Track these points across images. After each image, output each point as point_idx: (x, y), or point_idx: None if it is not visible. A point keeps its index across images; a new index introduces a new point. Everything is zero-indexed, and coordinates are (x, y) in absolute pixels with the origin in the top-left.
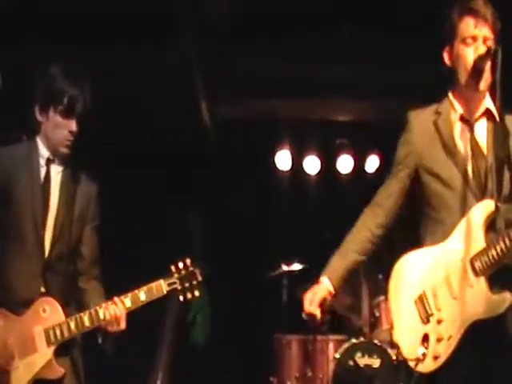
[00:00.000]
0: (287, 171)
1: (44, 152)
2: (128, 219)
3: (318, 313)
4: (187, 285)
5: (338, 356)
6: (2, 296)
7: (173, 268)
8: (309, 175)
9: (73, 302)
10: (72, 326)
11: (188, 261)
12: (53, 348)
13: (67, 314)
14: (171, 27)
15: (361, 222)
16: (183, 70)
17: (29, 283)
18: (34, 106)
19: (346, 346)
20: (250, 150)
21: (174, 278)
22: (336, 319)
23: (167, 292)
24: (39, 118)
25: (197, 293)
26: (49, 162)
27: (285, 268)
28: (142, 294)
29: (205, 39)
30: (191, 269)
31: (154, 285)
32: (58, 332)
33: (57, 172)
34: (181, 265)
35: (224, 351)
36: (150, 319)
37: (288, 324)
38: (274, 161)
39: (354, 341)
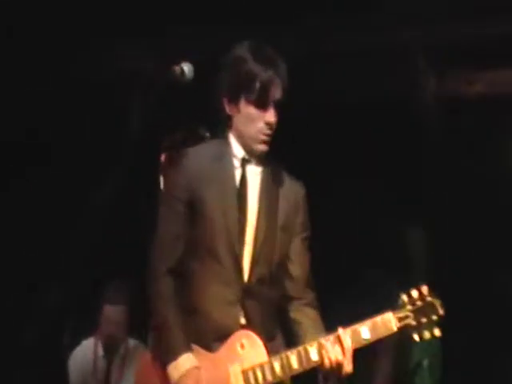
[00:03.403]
0: None
1: (238, 151)
2: (335, 232)
3: None
4: (424, 320)
5: None
6: (193, 325)
7: (405, 297)
8: None
9: (278, 336)
10: (277, 368)
11: (425, 289)
12: None
13: (271, 351)
14: None
15: None
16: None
17: (225, 312)
18: (220, 97)
19: None
20: (482, 131)
21: (407, 311)
22: None
23: (398, 329)
24: (228, 111)
25: (437, 332)
26: (244, 162)
27: None
28: (365, 331)
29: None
30: (429, 299)
31: (380, 319)
32: (259, 374)
33: (254, 174)
34: (415, 293)
35: None
36: None
37: None
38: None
39: None
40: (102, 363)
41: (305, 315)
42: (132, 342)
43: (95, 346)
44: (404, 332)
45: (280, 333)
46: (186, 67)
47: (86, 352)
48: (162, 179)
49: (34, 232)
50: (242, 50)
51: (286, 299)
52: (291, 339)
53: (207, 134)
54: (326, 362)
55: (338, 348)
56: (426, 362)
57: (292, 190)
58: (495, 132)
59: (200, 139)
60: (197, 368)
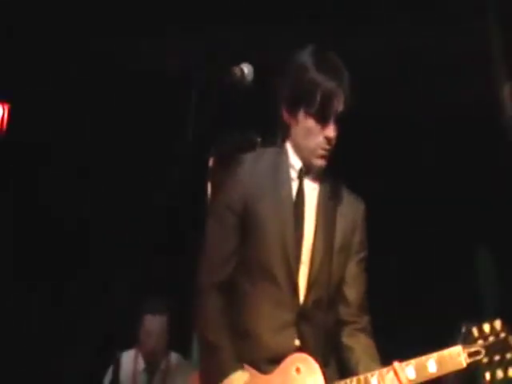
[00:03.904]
0: None
1: (295, 162)
2: (398, 259)
3: None
4: (497, 358)
5: None
6: (243, 347)
7: (475, 331)
8: None
9: (333, 363)
10: None
11: (498, 323)
12: None
13: (326, 378)
14: None
15: None
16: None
17: (278, 335)
18: (280, 105)
19: None
20: None
21: (478, 346)
22: None
23: (468, 365)
24: (287, 120)
25: None
26: (301, 174)
27: None
28: (432, 364)
29: None
30: (503, 335)
31: (447, 352)
32: None
33: (312, 188)
34: (487, 327)
35: None
36: None
37: None
38: None
39: None
40: (142, 377)
41: (357, 341)
42: (174, 356)
43: (135, 358)
44: (473, 369)
45: (334, 359)
46: (246, 68)
47: (126, 364)
48: (209, 186)
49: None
50: (305, 57)
51: (339, 324)
52: (343, 366)
53: (259, 140)
54: None
55: (396, 381)
56: None
57: (350, 208)
58: None
59: (251, 145)
60: None
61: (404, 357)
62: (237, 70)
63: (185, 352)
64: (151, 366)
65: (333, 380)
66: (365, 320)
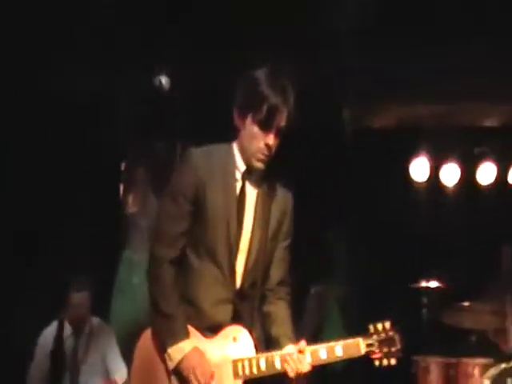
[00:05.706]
0: (423, 182)
1: (240, 164)
2: None
3: None
4: (386, 350)
5: (486, 382)
6: (189, 314)
7: (371, 328)
8: (446, 186)
9: (258, 328)
10: (262, 365)
11: (387, 324)
12: (240, 382)
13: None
14: None
15: None
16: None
17: (218, 309)
18: (233, 108)
19: (495, 370)
20: (385, 158)
21: (373, 340)
22: (484, 341)
23: (364, 353)
24: (237, 122)
25: (393, 361)
26: (245, 176)
27: (425, 284)
28: (339, 349)
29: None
30: (391, 333)
31: (351, 342)
32: (246, 366)
33: (252, 189)
34: (379, 326)
35: (358, 370)
36: None
37: (428, 346)
38: (408, 171)
39: (503, 366)
40: (70, 340)
41: (275, 308)
42: (95, 321)
43: (62, 325)
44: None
45: (260, 326)
46: (164, 79)
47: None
48: (121, 187)
49: None
50: (259, 73)
51: (263, 295)
52: (264, 331)
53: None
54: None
55: (304, 362)
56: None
57: (282, 201)
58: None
59: (172, 149)
60: (198, 348)
61: None
62: (157, 80)
63: (104, 316)
64: (77, 331)
65: (258, 343)
66: (283, 290)
